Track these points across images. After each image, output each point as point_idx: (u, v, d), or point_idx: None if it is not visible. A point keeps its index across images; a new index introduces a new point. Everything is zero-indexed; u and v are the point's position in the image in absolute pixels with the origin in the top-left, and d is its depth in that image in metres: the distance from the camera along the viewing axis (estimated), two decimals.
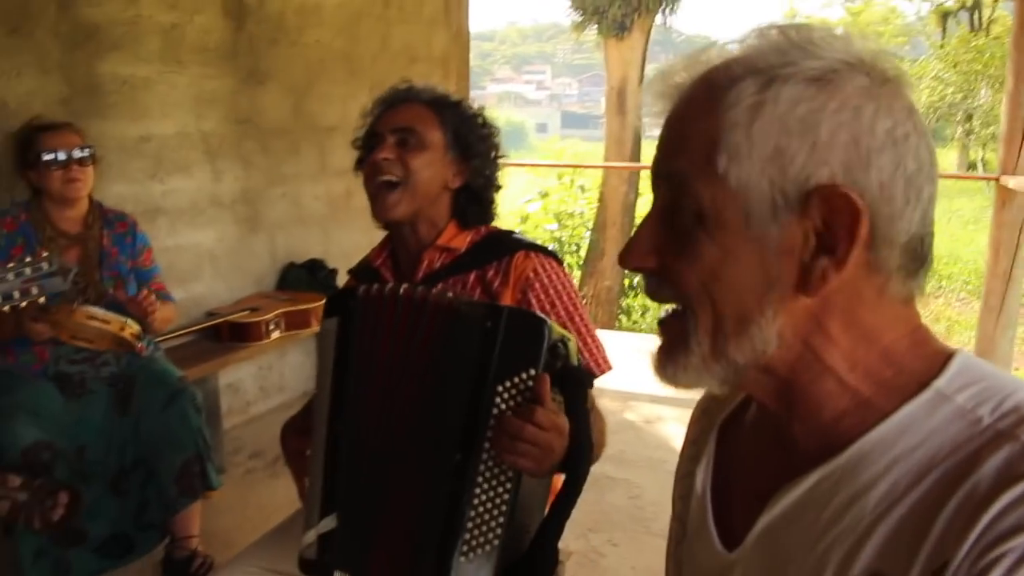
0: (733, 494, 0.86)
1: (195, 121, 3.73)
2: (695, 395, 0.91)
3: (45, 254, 2.10)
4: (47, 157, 2.62)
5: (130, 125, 3.43)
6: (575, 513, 3.12)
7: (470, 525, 1.27)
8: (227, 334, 3.70)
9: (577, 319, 1.65)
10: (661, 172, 0.75)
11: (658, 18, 11.51)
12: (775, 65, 0.69)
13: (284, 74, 4.22)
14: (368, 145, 1.72)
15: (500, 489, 1.27)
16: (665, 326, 0.78)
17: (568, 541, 2.83)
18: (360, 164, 1.75)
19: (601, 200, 11.00)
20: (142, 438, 2.68)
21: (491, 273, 1.66)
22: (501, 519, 1.27)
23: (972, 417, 0.68)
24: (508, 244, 1.71)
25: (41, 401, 2.55)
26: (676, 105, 0.75)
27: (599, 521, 3.02)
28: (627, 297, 10.76)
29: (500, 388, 1.25)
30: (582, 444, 1.27)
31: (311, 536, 1.42)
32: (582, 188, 10.68)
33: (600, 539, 2.90)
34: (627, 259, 0.77)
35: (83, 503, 2.40)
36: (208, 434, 2.76)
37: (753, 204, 0.69)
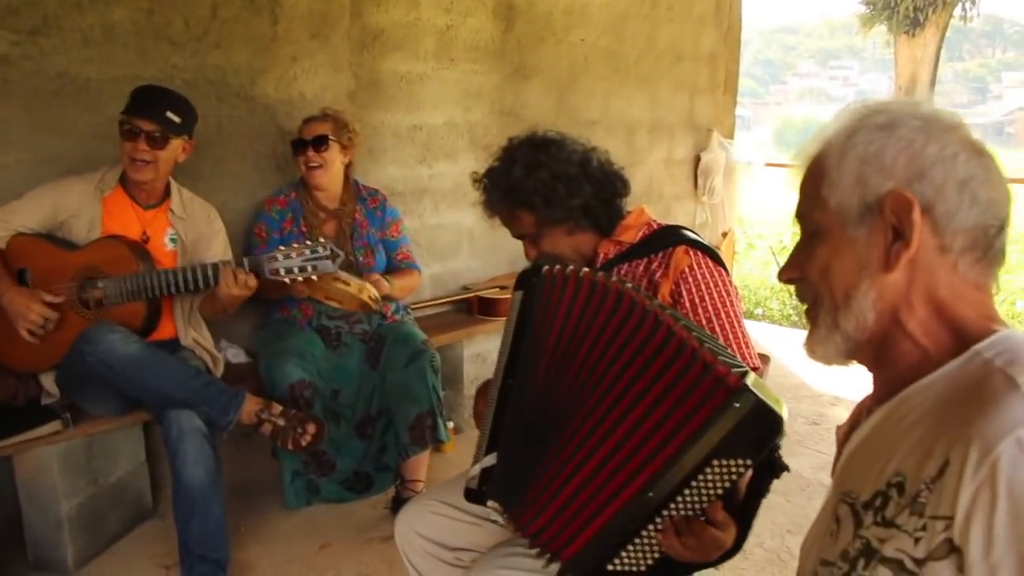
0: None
1: (463, 113, 4.13)
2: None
3: (322, 240, 2.54)
4: (294, 143, 3.12)
5: (405, 116, 3.88)
6: (777, 513, 3.13)
7: (631, 547, 1.37)
8: (477, 307, 4.05)
9: (723, 315, 1.74)
10: (797, 214, 1.08)
11: (957, 11, 10.55)
12: (855, 123, 1.01)
13: (549, 70, 4.51)
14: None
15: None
16: (807, 315, 1.09)
17: (763, 538, 2.89)
18: None
19: None
20: (386, 390, 3.09)
21: (655, 264, 1.82)
22: (655, 555, 1.37)
23: (984, 361, 0.91)
24: (673, 239, 1.85)
25: (307, 347, 3.03)
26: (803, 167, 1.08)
27: (801, 524, 2.99)
28: None
29: (715, 462, 1.26)
30: (745, 526, 1.32)
31: (475, 470, 1.63)
32: None
33: (795, 541, 2.88)
34: (781, 274, 1.10)
35: (327, 435, 2.81)
36: (442, 393, 3.10)
37: (847, 216, 0.99)
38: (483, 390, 1.95)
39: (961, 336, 0.96)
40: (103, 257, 2.61)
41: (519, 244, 2.01)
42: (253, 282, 2.54)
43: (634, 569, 1.39)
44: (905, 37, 10.49)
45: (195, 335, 2.88)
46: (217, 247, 2.90)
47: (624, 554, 1.39)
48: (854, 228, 0.99)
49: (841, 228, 1.00)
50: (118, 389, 2.53)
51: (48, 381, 2.68)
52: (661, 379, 1.32)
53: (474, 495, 1.65)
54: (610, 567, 1.40)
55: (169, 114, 2.63)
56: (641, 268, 1.84)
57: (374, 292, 2.87)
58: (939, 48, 10.52)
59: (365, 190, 3.32)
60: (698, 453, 1.26)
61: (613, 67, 4.89)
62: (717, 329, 1.72)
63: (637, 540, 1.37)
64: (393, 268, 3.27)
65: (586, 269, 1.54)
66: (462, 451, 3.58)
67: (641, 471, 1.34)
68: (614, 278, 1.49)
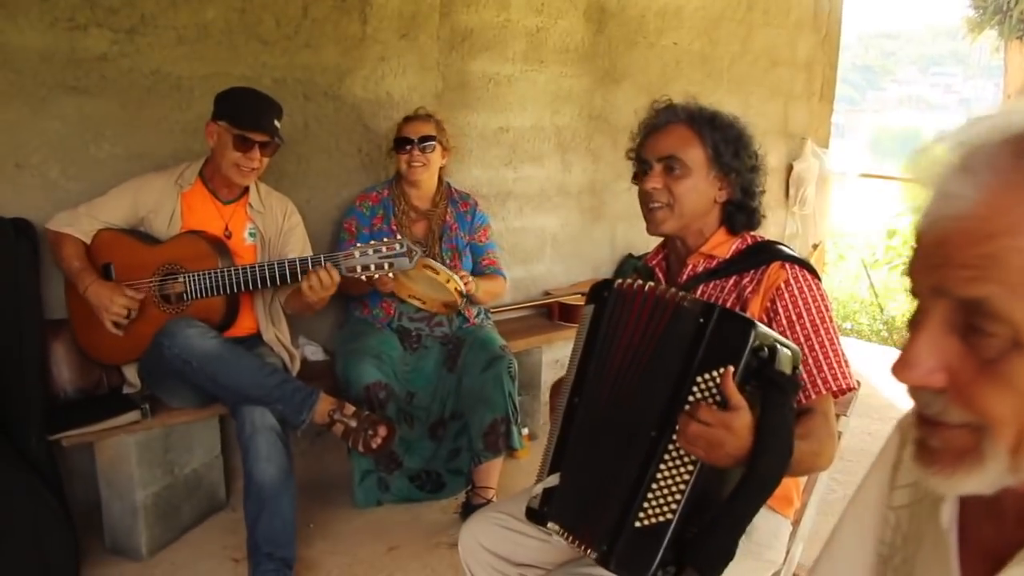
0: (964, 541, 0.84)
1: (550, 116, 4.07)
2: None
3: (399, 237, 2.54)
4: (398, 141, 3.09)
5: (492, 117, 3.84)
6: None
7: (650, 496, 1.39)
8: (558, 313, 3.99)
9: (821, 332, 1.63)
10: (947, 290, 0.67)
11: None
12: None
13: (640, 74, 4.41)
14: (640, 169, 1.82)
15: (682, 470, 1.37)
16: (948, 437, 0.71)
17: None
18: (635, 180, 1.86)
19: None
20: (462, 394, 3.05)
21: (746, 280, 1.72)
22: (678, 496, 1.37)
23: None
24: (768, 254, 1.74)
25: (385, 348, 3.01)
26: (959, 211, 0.66)
27: None
28: None
29: (699, 379, 1.35)
30: (768, 444, 1.31)
31: (538, 489, 1.62)
32: None
33: None
34: (905, 374, 0.70)
35: (396, 438, 2.78)
36: (518, 400, 3.05)
37: None
38: (557, 386, 1.93)
39: None
40: (183, 252, 2.64)
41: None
42: (337, 277, 2.54)
43: (660, 513, 1.39)
44: (1017, 43, 9.88)
45: (275, 331, 2.89)
46: (296, 241, 2.91)
47: (647, 505, 1.40)
48: None
49: None
50: (195, 383, 2.56)
51: (131, 372, 2.73)
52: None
53: (535, 515, 1.64)
54: (637, 523, 1.40)
55: (276, 123, 2.68)
56: (730, 283, 1.74)
57: (460, 285, 2.84)
58: None
59: (457, 193, 3.31)
60: (682, 376, 1.38)
61: (706, 71, 4.76)
62: (816, 347, 1.63)
63: (655, 485, 1.39)
64: (478, 273, 3.23)
65: (651, 284, 1.54)
66: (536, 458, 3.50)
67: (640, 418, 1.44)
68: (679, 292, 1.49)
